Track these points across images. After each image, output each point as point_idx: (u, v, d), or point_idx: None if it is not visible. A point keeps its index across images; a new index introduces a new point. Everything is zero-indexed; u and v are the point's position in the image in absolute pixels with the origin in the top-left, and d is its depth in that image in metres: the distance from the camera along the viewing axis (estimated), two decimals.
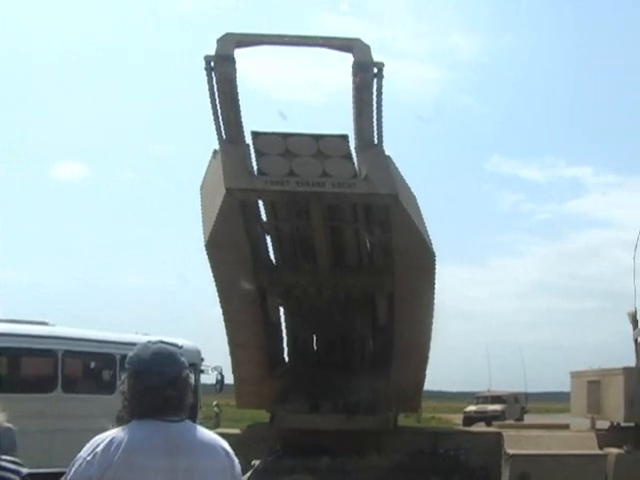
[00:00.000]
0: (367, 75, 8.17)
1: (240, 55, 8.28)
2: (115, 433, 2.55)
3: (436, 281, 9.19)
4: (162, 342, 2.74)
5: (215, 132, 8.61)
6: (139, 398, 2.59)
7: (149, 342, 2.74)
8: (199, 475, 2.56)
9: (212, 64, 8.14)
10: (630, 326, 11.64)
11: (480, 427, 18.65)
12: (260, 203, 9.06)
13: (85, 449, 2.53)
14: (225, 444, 2.72)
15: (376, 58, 8.25)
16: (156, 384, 2.58)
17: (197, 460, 2.57)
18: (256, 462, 9.71)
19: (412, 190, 9.07)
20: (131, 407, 2.60)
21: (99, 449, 2.50)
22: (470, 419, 34.17)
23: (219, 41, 8.14)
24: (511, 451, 9.67)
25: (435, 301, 9.38)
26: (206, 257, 8.84)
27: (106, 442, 2.51)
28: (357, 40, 8.30)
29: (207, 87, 8.26)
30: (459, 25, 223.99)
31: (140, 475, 2.48)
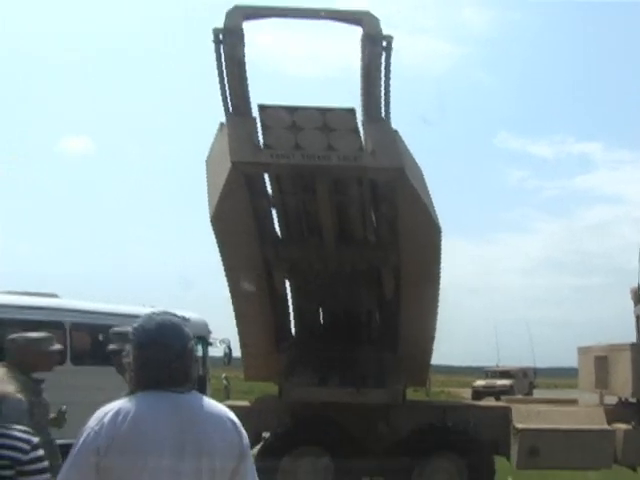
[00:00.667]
0: (376, 48, 8.05)
1: (249, 28, 8.18)
2: (122, 404, 2.55)
3: (443, 256, 9.15)
4: (167, 313, 2.72)
5: (222, 105, 8.53)
6: (145, 370, 2.59)
7: (153, 313, 2.73)
8: (207, 445, 2.55)
9: (220, 37, 8.06)
10: (632, 302, 11.62)
11: (489, 401, 18.70)
12: (266, 177, 9.00)
13: (92, 419, 2.54)
14: (233, 415, 2.71)
15: (385, 32, 8.10)
16: (161, 356, 2.57)
17: (204, 431, 2.56)
18: (266, 434, 9.79)
19: (419, 165, 9.00)
20: (137, 378, 2.61)
21: (106, 419, 2.50)
22: (479, 394, 34.34)
23: (228, 14, 8.04)
24: (520, 425, 9.68)
25: (442, 276, 9.32)
26: (212, 230, 8.81)
27: (113, 412, 2.52)
28: (366, 13, 8.17)
29: (215, 60, 8.18)
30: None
31: (147, 445, 2.48)
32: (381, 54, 8.09)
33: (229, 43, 8.05)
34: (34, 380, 4.85)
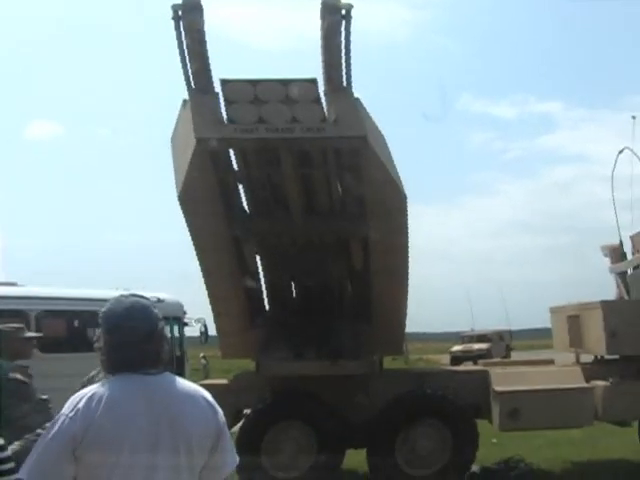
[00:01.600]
0: (335, 17, 7.95)
1: (209, 3, 8.08)
2: (95, 389, 2.55)
3: (409, 223, 9.10)
4: (135, 295, 2.70)
5: (184, 82, 8.41)
6: (116, 353, 2.60)
7: (122, 296, 2.71)
8: (181, 425, 2.57)
9: (180, 13, 7.93)
10: (604, 259, 11.68)
11: (467, 366, 18.83)
12: (231, 152, 8.91)
13: (66, 406, 2.53)
14: (207, 394, 2.73)
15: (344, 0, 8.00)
16: (132, 338, 2.59)
17: (179, 411, 2.59)
18: (247, 411, 9.72)
19: (382, 132, 8.91)
20: (109, 362, 2.62)
21: (80, 405, 2.49)
22: (457, 359, 34.75)
23: None
24: (499, 388, 9.70)
25: (410, 244, 9.29)
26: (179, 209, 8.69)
27: (87, 398, 2.51)
28: None
29: (175, 36, 8.04)
30: None
31: (123, 428, 2.48)
32: (340, 23, 7.98)
33: (188, 19, 7.94)
34: (22, 367, 5.00)
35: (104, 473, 2.48)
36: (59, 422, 2.49)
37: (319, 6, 7.98)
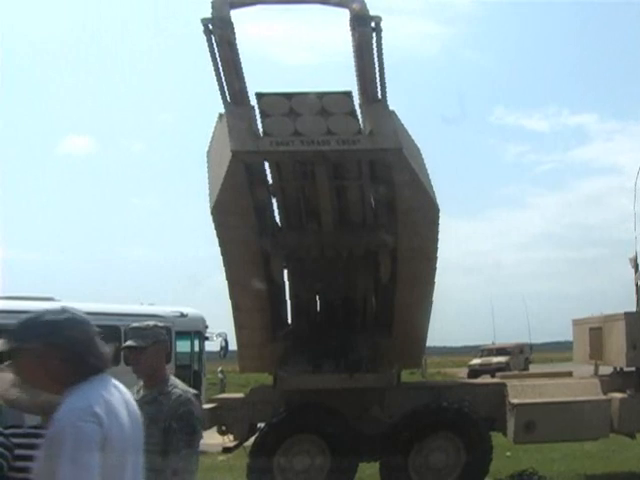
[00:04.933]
0: (366, 29, 8.09)
1: (239, 16, 8.24)
2: (97, 395, 2.49)
3: (439, 235, 9.17)
4: (64, 308, 2.67)
5: (220, 96, 8.55)
6: (89, 357, 2.57)
7: (50, 311, 2.65)
8: (139, 425, 2.66)
9: (210, 27, 8.09)
10: (632, 271, 11.61)
11: (484, 379, 18.76)
12: (266, 165, 8.99)
13: (80, 415, 2.40)
14: None
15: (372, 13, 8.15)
16: (91, 342, 2.60)
17: (135, 410, 2.67)
18: (261, 425, 9.78)
19: (416, 144, 9.03)
20: (85, 367, 2.56)
21: (97, 410, 2.43)
22: (475, 372, 34.47)
23: (213, 3, 8.08)
24: (515, 400, 9.70)
25: (438, 256, 9.35)
26: (211, 222, 8.79)
27: (98, 405, 2.45)
28: None
29: (208, 51, 8.20)
30: None
31: (126, 434, 2.52)
32: (371, 35, 8.13)
33: (219, 32, 8.09)
34: None
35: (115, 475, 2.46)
36: (81, 432, 2.37)
37: (348, 18, 8.14)
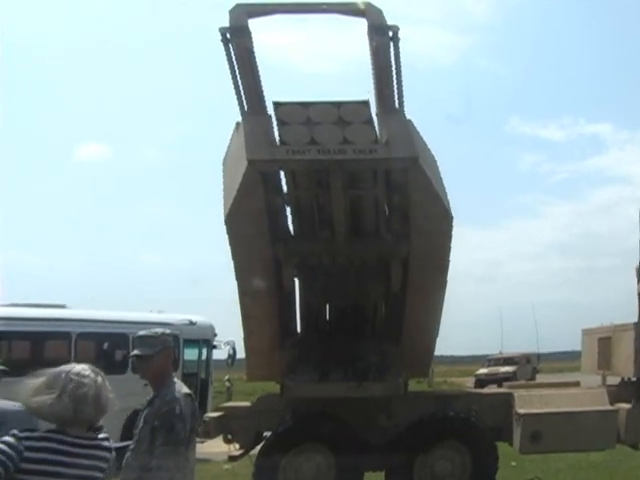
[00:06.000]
0: (383, 39, 8.16)
1: (256, 25, 8.30)
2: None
3: (452, 244, 9.16)
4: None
5: (237, 104, 8.61)
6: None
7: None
8: None
9: (228, 35, 8.16)
10: (636, 280, 11.56)
11: (491, 389, 18.71)
12: (281, 173, 9.02)
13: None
14: None
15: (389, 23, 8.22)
16: None
17: None
18: (267, 434, 9.78)
19: (432, 153, 9.05)
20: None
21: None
22: (481, 382, 34.37)
23: (231, 12, 8.15)
24: (521, 410, 9.69)
25: (450, 264, 9.34)
26: (224, 230, 8.79)
27: None
28: (369, 4, 8.24)
29: (226, 59, 8.27)
30: None
31: None
32: (389, 44, 8.19)
33: (237, 41, 8.15)
34: None
35: None
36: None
37: (365, 28, 8.20)
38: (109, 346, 14.59)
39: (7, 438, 2.90)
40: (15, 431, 2.94)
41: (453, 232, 9.04)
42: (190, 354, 15.49)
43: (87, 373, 3.06)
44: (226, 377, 26.06)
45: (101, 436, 3.11)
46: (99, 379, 3.08)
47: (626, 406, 9.79)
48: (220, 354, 16.56)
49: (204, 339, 15.79)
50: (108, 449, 3.11)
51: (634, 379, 10.37)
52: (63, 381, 2.98)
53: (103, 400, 3.05)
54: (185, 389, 4.64)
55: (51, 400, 2.93)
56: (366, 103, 8.51)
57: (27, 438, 2.92)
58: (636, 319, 10.48)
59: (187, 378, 13.54)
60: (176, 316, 14.98)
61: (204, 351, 15.94)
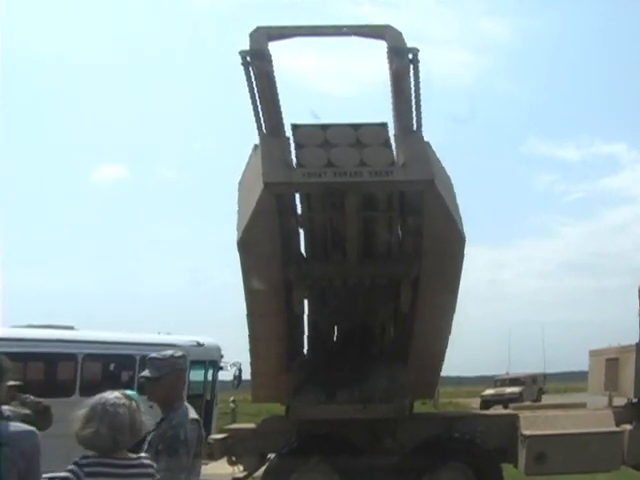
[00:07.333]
0: (403, 61, 8.18)
1: (276, 47, 8.33)
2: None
3: (465, 265, 9.14)
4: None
5: (255, 126, 8.65)
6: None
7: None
8: None
9: (248, 59, 8.19)
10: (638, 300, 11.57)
11: (496, 410, 18.66)
12: (296, 195, 9.02)
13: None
14: None
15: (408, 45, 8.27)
16: None
17: None
18: (272, 455, 9.78)
19: (449, 175, 9.07)
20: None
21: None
22: (487, 403, 34.15)
23: (251, 35, 8.18)
24: (527, 432, 9.70)
25: (460, 286, 9.32)
26: (236, 251, 8.75)
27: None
28: (388, 26, 8.32)
29: (245, 82, 8.31)
30: (485, 9, 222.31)
31: None
32: (408, 67, 8.22)
33: (257, 64, 8.18)
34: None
35: None
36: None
37: (383, 51, 8.23)
38: (116, 367, 14.64)
39: (72, 467, 3.15)
40: (77, 458, 3.19)
41: (465, 252, 9.03)
42: (196, 375, 15.47)
43: (121, 402, 3.24)
44: (231, 398, 25.98)
45: (141, 455, 3.46)
46: (133, 404, 3.28)
47: (629, 427, 9.78)
48: (225, 375, 16.57)
49: (210, 360, 15.80)
50: (151, 465, 3.42)
51: (635, 400, 10.39)
52: (100, 414, 3.17)
53: (138, 425, 3.28)
54: (193, 414, 4.59)
55: (91, 434, 3.14)
56: (384, 125, 8.55)
57: (87, 465, 3.15)
58: (637, 340, 10.52)
59: (192, 399, 13.50)
60: (184, 337, 15.01)
61: (210, 372, 15.94)
